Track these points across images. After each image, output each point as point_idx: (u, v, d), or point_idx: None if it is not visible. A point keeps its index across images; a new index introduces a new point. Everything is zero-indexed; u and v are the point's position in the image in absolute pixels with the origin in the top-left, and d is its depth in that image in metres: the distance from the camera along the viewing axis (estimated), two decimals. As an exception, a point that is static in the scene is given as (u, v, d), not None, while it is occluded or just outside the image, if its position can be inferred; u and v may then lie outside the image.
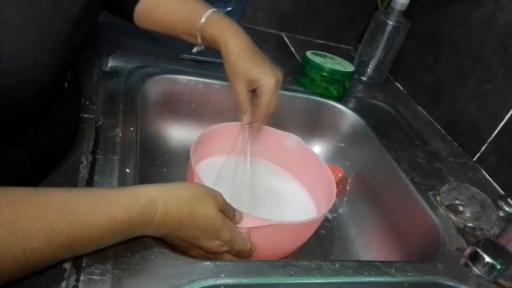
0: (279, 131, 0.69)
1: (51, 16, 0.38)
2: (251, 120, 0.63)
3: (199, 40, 0.65)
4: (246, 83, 0.61)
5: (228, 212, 0.47)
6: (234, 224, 0.48)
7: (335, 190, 0.60)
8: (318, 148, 0.84)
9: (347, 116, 0.81)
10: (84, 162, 0.50)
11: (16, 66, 0.36)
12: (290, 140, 0.69)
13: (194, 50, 0.69)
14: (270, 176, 0.70)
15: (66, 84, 0.48)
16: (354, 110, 0.82)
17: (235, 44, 0.62)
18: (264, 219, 0.50)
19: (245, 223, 0.49)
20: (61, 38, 0.40)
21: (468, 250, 0.52)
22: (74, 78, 0.51)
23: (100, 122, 0.55)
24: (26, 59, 0.36)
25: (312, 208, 0.66)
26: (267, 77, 0.60)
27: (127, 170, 0.50)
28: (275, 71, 0.62)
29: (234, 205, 0.48)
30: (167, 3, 0.67)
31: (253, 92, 0.63)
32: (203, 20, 0.64)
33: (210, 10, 0.64)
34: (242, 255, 0.48)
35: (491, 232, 0.60)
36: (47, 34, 0.38)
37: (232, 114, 0.69)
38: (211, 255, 0.46)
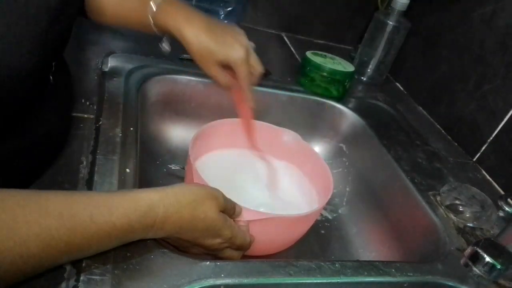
0: (277, 127, 0.70)
1: (29, 7, 0.37)
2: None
3: (155, 29, 0.59)
4: (217, 64, 0.59)
5: (228, 210, 0.47)
6: (234, 219, 0.49)
7: (332, 185, 0.60)
8: (318, 148, 0.83)
9: (347, 116, 0.81)
10: (84, 162, 0.50)
11: None
12: (288, 135, 0.70)
13: (163, 45, 0.63)
14: (269, 170, 0.70)
15: (51, 77, 0.47)
16: (354, 110, 0.82)
17: (191, 31, 0.57)
18: (261, 213, 0.51)
19: (244, 217, 0.50)
20: (39, 29, 0.39)
21: (468, 250, 0.52)
22: (61, 72, 0.50)
23: (100, 122, 0.55)
24: (8, 51, 0.36)
25: (310, 202, 0.67)
26: (234, 51, 0.58)
27: (127, 170, 0.50)
28: (240, 40, 0.59)
29: (232, 198, 0.48)
30: None
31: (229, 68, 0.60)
32: (154, 8, 0.58)
33: None
34: (242, 248, 0.49)
35: (491, 232, 0.60)
36: (25, 25, 0.37)
37: (232, 114, 0.69)
38: (213, 252, 0.46)
